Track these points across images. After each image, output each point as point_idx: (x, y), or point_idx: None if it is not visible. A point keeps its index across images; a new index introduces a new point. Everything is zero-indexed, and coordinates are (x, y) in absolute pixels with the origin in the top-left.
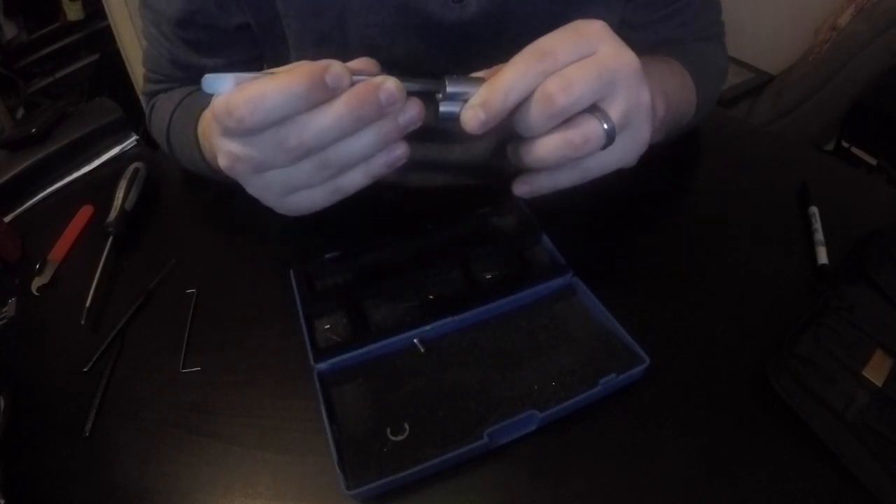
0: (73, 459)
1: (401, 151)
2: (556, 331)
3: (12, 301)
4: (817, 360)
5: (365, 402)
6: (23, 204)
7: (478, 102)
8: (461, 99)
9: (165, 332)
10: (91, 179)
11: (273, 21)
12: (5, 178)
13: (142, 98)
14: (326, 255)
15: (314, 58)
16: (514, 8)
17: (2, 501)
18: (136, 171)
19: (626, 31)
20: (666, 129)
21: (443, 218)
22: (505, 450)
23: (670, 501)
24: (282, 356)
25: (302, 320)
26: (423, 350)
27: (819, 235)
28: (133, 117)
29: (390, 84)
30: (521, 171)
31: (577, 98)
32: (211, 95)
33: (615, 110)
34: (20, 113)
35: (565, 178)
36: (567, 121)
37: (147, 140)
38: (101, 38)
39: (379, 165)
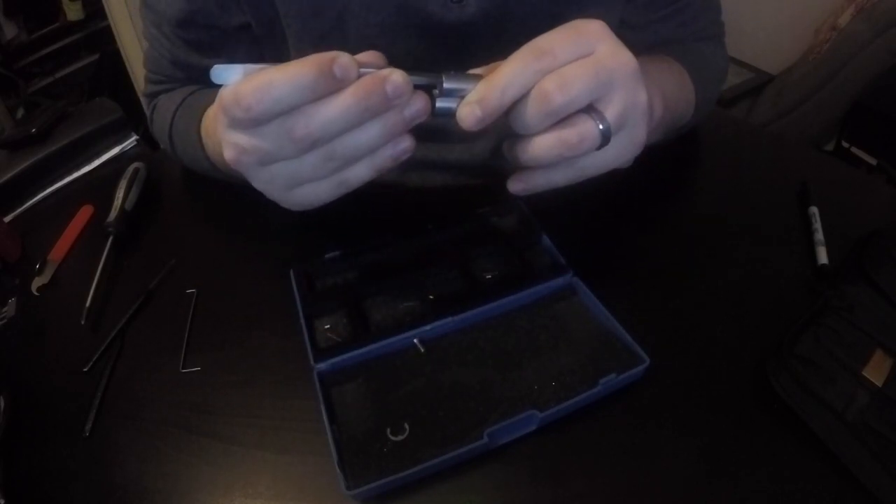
0: (73, 459)
1: (406, 144)
2: (556, 331)
3: (12, 301)
4: (817, 360)
5: (365, 402)
6: (23, 204)
7: (474, 99)
8: (458, 95)
9: (165, 332)
10: (91, 179)
11: (273, 21)
12: (5, 178)
13: (143, 99)
14: (326, 255)
15: None
16: (514, 8)
17: (2, 501)
18: (136, 171)
19: (626, 31)
20: (664, 130)
21: (443, 218)
22: (505, 450)
23: (670, 501)
24: (282, 356)
25: (302, 320)
26: (423, 350)
27: (819, 235)
28: (133, 117)
29: (397, 77)
30: (518, 168)
31: (573, 97)
32: (213, 95)
33: (611, 111)
34: (20, 113)
35: (560, 177)
36: (563, 120)
37: (147, 140)
38: (101, 38)
39: (385, 158)
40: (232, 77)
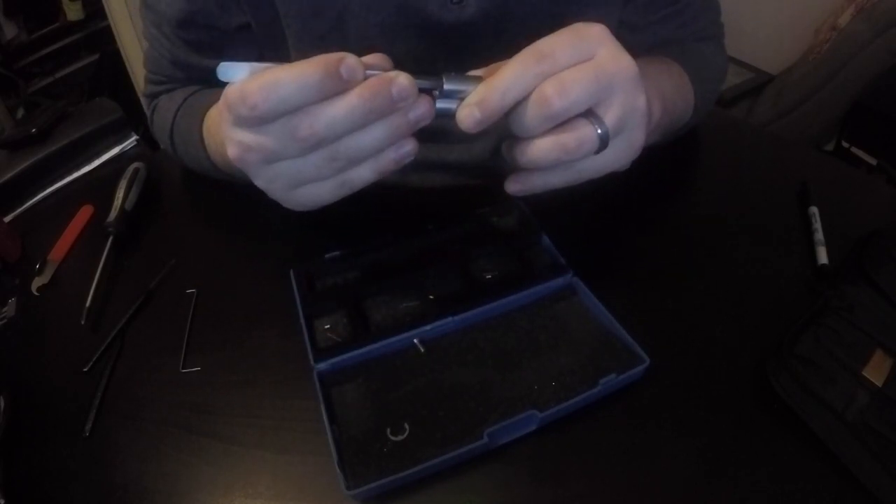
0: (73, 459)
1: (410, 147)
2: (556, 331)
3: (12, 301)
4: (817, 360)
5: (365, 402)
6: (23, 204)
7: (474, 101)
8: (458, 97)
9: (165, 332)
10: (91, 179)
11: (273, 21)
12: (5, 178)
13: (143, 99)
14: (326, 255)
15: None
16: (514, 9)
17: (2, 501)
18: (136, 171)
19: (625, 31)
20: (662, 131)
21: (443, 218)
22: (505, 450)
23: (670, 501)
24: (282, 356)
25: (302, 320)
26: (423, 350)
27: (819, 235)
28: (133, 117)
29: (403, 79)
30: (516, 169)
31: (573, 102)
32: (215, 96)
33: (610, 115)
34: (20, 113)
35: (557, 179)
36: (562, 123)
37: (147, 140)
38: (101, 38)
39: (388, 161)
40: (238, 75)
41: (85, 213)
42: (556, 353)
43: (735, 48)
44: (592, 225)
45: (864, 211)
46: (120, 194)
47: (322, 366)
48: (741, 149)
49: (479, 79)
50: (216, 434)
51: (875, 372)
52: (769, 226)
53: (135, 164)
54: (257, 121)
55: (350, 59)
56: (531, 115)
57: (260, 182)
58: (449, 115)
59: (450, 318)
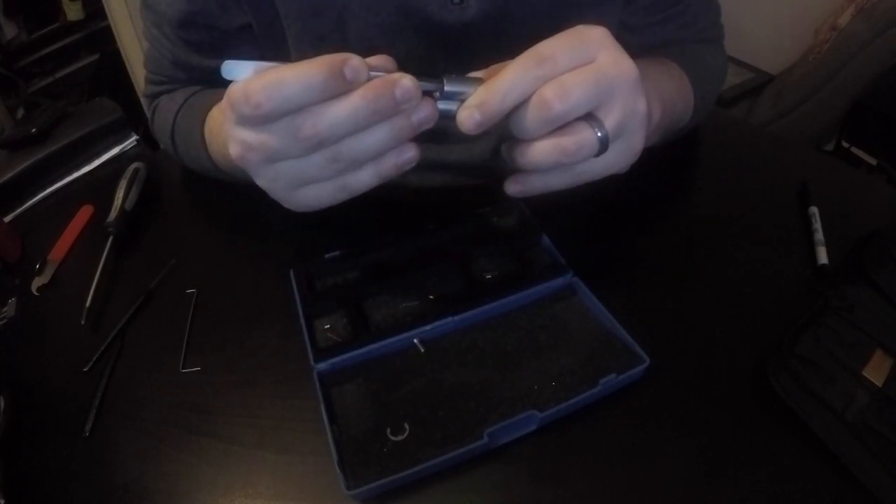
0: (73, 459)
1: (411, 154)
2: (556, 331)
3: (12, 301)
4: (817, 360)
5: (365, 402)
6: (23, 204)
7: (474, 103)
8: (458, 98)
9: (165, 332)
10: (91, 179)
11: (273, 22)
12: (5, 178)
13: (143, 100)
14: (326, 255)
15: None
16: (514, 9)
17: (2, 501)
18: (136, 171)
19: (626, 33)
20: (662, 133)
21: (443, 218)
22: (505, 450)
23: (670, 501)
24: (282, 356)
25: (302, 320)
26: (423, 350)
27: (819, 235)
28: (133, 117)
29: (407, 81)
30: (516, 169)
31: (573, 105)
32: (216, 96)
33: (610, 119)
34: (20, 113)
35: (556, 181)
36: (562, 126)
37: (147, 140)
38: (101, 38)
39: (389, 167)
40: (242, 73)
41: (85, 213)
42: (556, 353)
43: (735, 48)
44: (592, 225)
45: (864, 211)
46: (120, 194)
47: (322, 366)
48: (741, 149)
49: (479, 81)
50: (216, 434)
51: (875, 372)
52: (769, 226)
53: (135, 164)
54: (260, 120)
55: (354, 60)
56: (531, 117)
57: (261, 181)
58: (449, 117)
59: (450, 318)
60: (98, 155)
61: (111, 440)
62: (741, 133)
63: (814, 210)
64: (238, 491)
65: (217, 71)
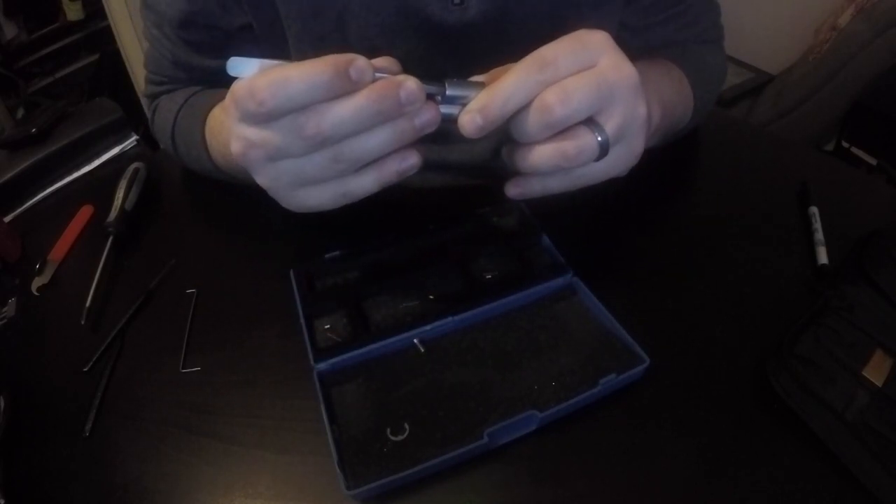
0: (73, 459)
1: (414, 161)
2: (556, 331)
3: (12, 301)
4: (817, 360)
5: (365, 402)
6: (23, 204)
7: (476, 107)
8: (460, 102)
9: (165, 332)
10: (91, 179)
11: (274, 22)
12: (5, 178)
13: (143, 100)
14: (326, 255)
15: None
16: (514, 10)
17: (2, 501)
18: (136, 171)
19: (626, 33)
20: (661, 135)
21: (443, 218)
22: (505, 450)
23: (670, 501)
24: (282, 356)
25: (302, 320)
26: (423, 350)
27: (819, 235)
28: (133, 117)
29: (411, 83)
30: (516, 171)
31: (574, 110)
32: (217, 97)
33: (611, 123)
34: (20, 113)
35: (556, 185)
36: (563, 130)
37: (147, 140)
38: (101, 38)
39: (391, 172)
40: (247, 70)
41: (85, 213)
42: (556, 353)
43: (735, 48)
44: (592, 225)
45: (864, 211)
46: (120, 194)
47: (322, 366)
48: (741, 149)
49: (481, 85)
50: (216, 434)
51: (875, 372)
52: (769, 226)
53: (135, 164)
54: (264, 117)
55: (360, 61)
56: (532, 122)
57: (262, 180)
58: (451, 120)
59: (450, 318)
60: (98, 155)
61: (111, 440)
62: (741, 133)
63: (814, 210)
64: (238, 491)
65: (217, 71)
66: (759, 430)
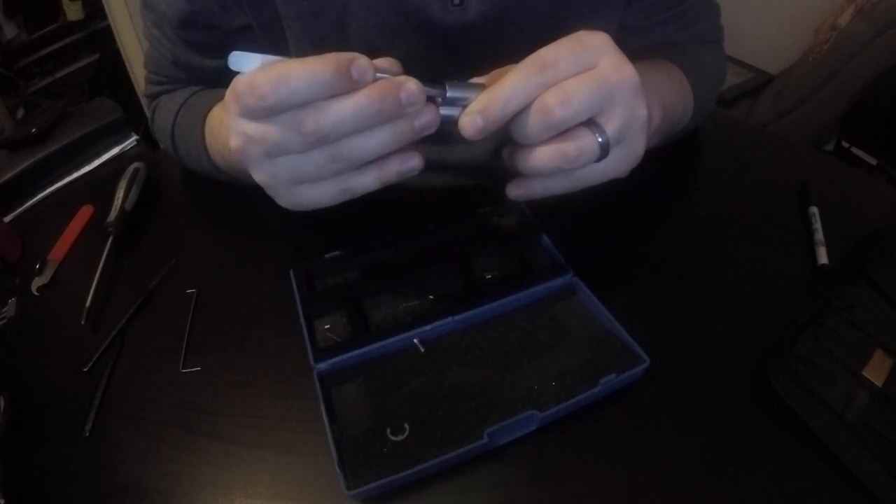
0: (73, 459)
1: (415, 162)
2: (556, 331)
3: (12, 301)
4: (817, 360)
5: (365, 402)
6: (23, 204)
7: (476, 109)
8: (461, 104)
9: (165, 332)
10: (91, 179)
11: (274, 22)
12: (5, 178)
13: (143, 100)
14: (326, 255)
15: None
16: (514, 10)
17: (2, 501)
18: (136, 171)
19: (626, 34)
20: (661, 135)
21: (443, 218)
22: (505, 450)
23: (670, 501)
24: (282, 356)
25: (302, 320)
26: (423, 350)
27: (819, 235)
28: (133, 117)
29: (412, 84)
30: (517, 173)
31: (574, 112)
32: (217, 97)
33: (612, 125)
34: (20, 113)
35: (557, 186)
36: (563, 132)
37: (147, 140)
38: (101, 38)
39: (392, 173)
40: (249, 65)
41: (85, 213)
42: (556, 353)
43: (735, 48)
44: (592, 225)
45: (864, 211)
46: (120, 194)
47: (322, 366)
48: (741, 149)
49: (481, 86)
50: (216, 434)
51: (875, 372)
52: (769, 226)
53: (135, 164)
54: (264, 112)
55: (361, 60)
56: (533, 123)
57: (259, 176)
58: (451, 122)
59: (450, 318)
60: (98, 155)
61: (111, 440)
62: (741, 133)
63: (814, 210)
64: (238, 491)
65: (217, 71)
66: (759, 430)
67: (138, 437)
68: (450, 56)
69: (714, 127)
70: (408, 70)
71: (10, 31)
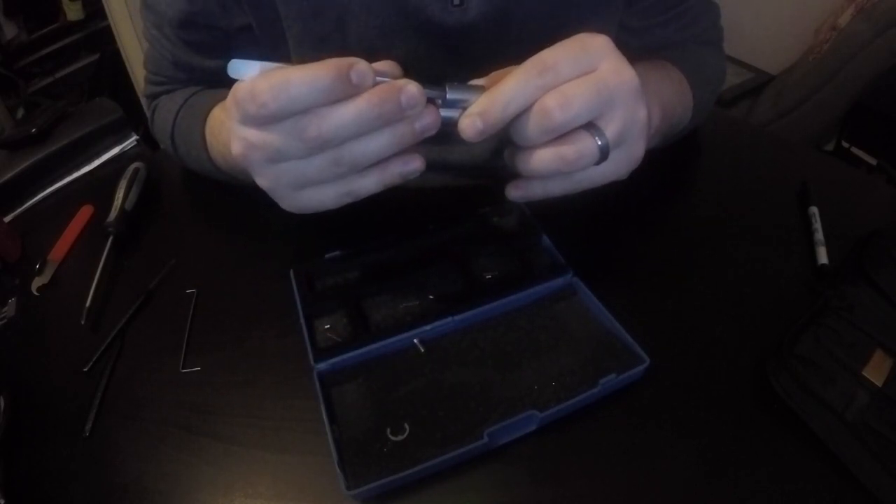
0: (73, 459)
1: (416, 165)
2: (556, 331)
3: (12, 301)
4: (817, 360)
5: (365, 402)
6: (23, 204)
7: (476, 111)
8: (460, 106)
9: (165, 332)
10: (91, 179)
11: (274, 22)
12: (5, 178)
13: (143, 100)
14: (326, 255)
15: (314, 60)
16: (514, 11)
17: (2, 501)
18: (136, 171)
19: (626, 34)
20: (661, 137)
21: (443, 218)
22: (505, 450)
23: (670, 501)
24: (282, 356)
25: (302, 320)
26: (423, 350)
27: (819, 235)
28: (133, 117)
29: (412, 88)
30: (517, 173)
31: (574, 115)
32: (218, 97)
33: (611, 128)
34: (20, 113)
35: (556, 188)
36: (563, 135)
37: (147, 140)
38: (101, 38)
39: (393, 175)
40: (249, 72)
41: (85, 213)
42: (556, 353)
43: (735, 48)
44: (592, 225)
45: (864, 211)
46: (120, 194)
47: (322, 366)
48: (741, 149)
49: (481, 88)
50: (216, 434)
51: (875, 372)
52: (769, 226)
53: (135, 164)
54: (265, 119)
55: (361, 65)
56: (532, 126)
57: (262, 181)
58: (451, 124)
59: (450, 318)
60: (98, 155)
61: (111, 440)
62: (741, 133)
63: (814, 210)
64: (238, 491)
65: (217, 71)
66: (759, 430)
67: (138, 437)
68: (450, 56)
69: (714, 127)
70: (407, 70)
71: (10, 31)
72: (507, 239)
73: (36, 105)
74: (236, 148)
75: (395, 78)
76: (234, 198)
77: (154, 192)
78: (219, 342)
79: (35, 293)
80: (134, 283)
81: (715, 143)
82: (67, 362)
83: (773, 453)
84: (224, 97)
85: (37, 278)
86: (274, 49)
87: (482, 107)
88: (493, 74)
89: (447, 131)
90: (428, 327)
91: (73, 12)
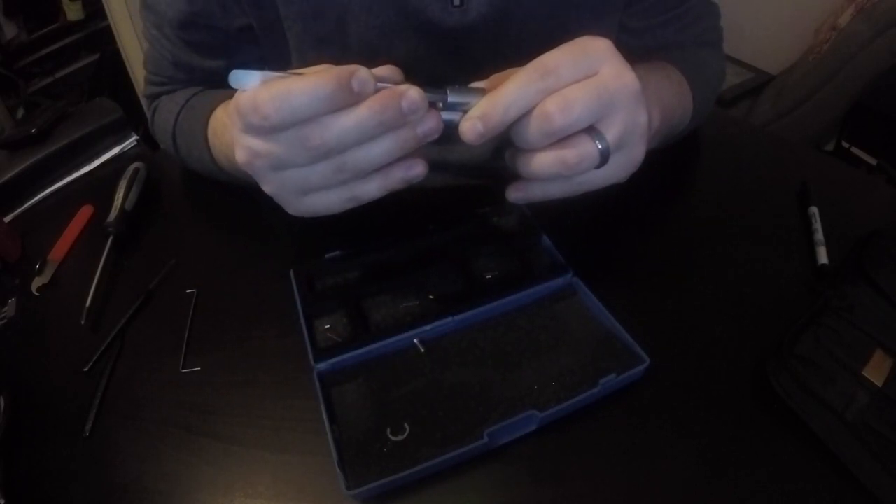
0: (73, 459)
1: (419, 169)
2: (556, 331)
3: (12, 301)
4: (817, 360)
5: (365, 402)
6: (23, 204)
7: (477, 115)
8: (461, 109)
9: (165, 332)
10: (91, 179)
11: (274, 23)
12: (5, 178)
13: (143, 100)
14: (326, 255)
15: (315, 60)
16: (514, 12)
17: (2, 501)
18: (136, 171)
19: (626, 35)
20: (660, 138)
21: (443, 218)
22: (505, 450)
23: (670, 501)
24: (282, 356)
25: (302, 320)
26: (423, 350)
27: (819, 235)
28: (133, 117)
29: (413, 93)
30: (518, 174)
31: (575, 119)
32: (219, 97)
33: (612, 131)
34: (20, 113)
35: (556, 190)
36: (563, 138)
37: (147, 140)
38: (101, 38)
39: (396, 180)
40: (250, 83)
41: (85, 213)
42: (556, 353)
43: (735, 48)
44: (592, 225)
45: (864, 211)
46: (120, 194)
47: (322, 366)
48: (741, 149)
49: (482, 91)
50: (216, 434)
51: (875, 372)
52: (769, 226)
53: (135, 164)
54: (268, 129)
55: (362, 73)
56: (533, 129)
57: (267, 187)
58: (452, 126)
59: (450, 318)
60: (98, 155)
61: (111, 440)
62: (741, 133)
63: (814, 210)
64: (238, 491)
65: (217, 72)
66: (759, 430)
67: (138, 437)
68: (450, 57)
69: (714, 127)
70: (408, 71)
71: (10, 31)
72: (507, 239)
73: (36, 105)
74: (240, 156)
75: (397, 83)
76: (234, 198)
77: (154, 192)
78: (219, 342)
79: (35, 293)
80: (134, 283)
81: (715, 143)
82: (67, 362)
83: (773, 453)
84: (225, 97)
85: (37, 278)
86: (274, 50)
87: (483, 110)
88: (494, 77)
89: (448, 133)
90: (428, 327)
91: (73, 12)
